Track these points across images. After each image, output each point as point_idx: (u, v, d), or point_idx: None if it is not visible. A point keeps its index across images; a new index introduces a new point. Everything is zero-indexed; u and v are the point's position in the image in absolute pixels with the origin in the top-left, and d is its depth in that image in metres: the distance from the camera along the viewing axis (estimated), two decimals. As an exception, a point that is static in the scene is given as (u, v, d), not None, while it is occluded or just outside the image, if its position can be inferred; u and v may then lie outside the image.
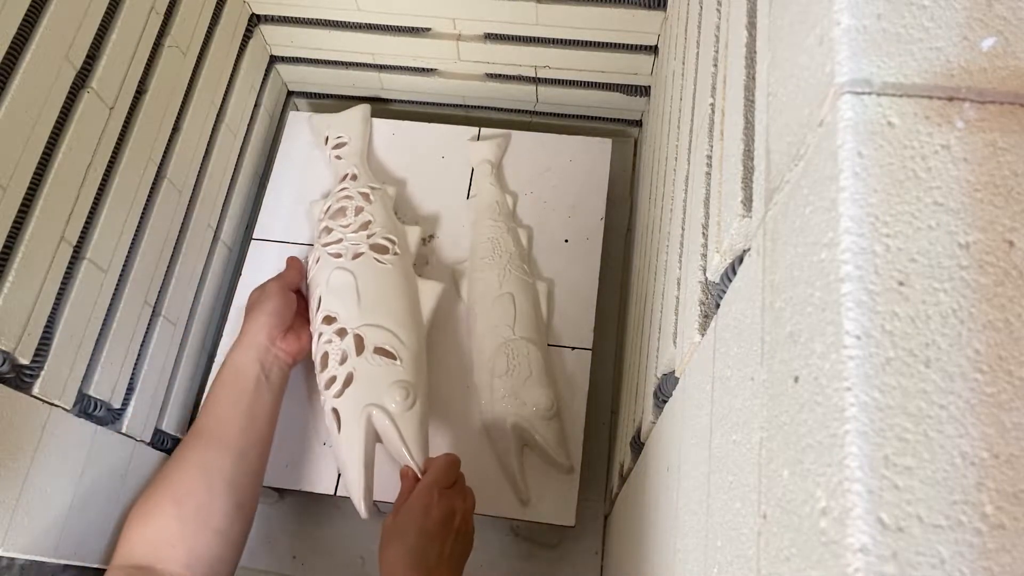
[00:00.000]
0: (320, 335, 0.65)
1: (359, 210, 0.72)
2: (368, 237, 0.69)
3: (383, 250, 0.69)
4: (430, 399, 0.65)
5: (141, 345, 0.63)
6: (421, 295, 0.69)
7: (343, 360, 0.62)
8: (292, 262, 0.70)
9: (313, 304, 0.67)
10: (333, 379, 0.62)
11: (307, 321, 0.68)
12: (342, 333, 0.64)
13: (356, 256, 0.68)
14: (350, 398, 0.60)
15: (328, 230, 0.71)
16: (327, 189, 0.78)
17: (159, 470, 0.59)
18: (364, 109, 0.82)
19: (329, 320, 0.65)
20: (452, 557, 0.53)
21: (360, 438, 0.59)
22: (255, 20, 0.77)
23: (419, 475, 0.57)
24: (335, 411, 0.61)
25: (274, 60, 0.83)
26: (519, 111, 0.86)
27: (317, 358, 0.64)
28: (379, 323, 0.64)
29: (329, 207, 0.74)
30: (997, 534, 0.16)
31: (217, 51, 0.70)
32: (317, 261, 0.69)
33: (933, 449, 0.17)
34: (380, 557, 0.52)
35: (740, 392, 0.26)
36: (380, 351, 0.62)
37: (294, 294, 0.67)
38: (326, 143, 0.80)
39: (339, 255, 0.68)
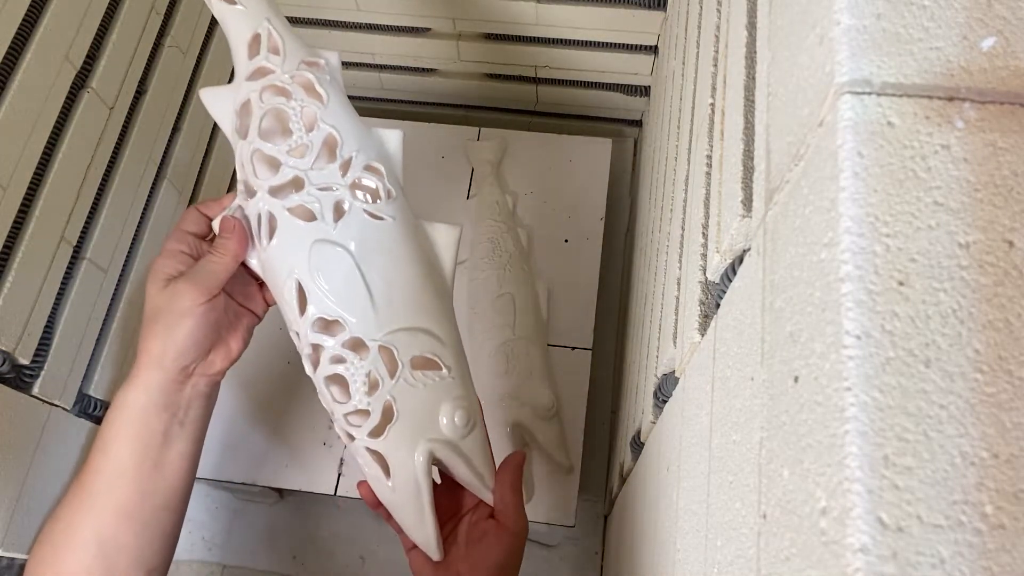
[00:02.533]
0: (318, 348, 0.44)
1: (310, 119, 0.45)
2: (344, 171, 0.45)
3: (373, 192, 0.46)
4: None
5: (141, 345, 0.63)
6: (438, 248, 0.49)
7: (373, 388, 0.44)
8: (226, 234, 0.46)
9: (287, 294, 0.45)
10: (362, 413, 0.44)
11: (242, 308, 0.49)
12: (358, 347, 0.44)
13: (338, 212, 0.45)
14: (397, 438, 0.44)
15: (269, 162, 0.45)
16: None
17: (44, 530, 0.45)
18: None
19: (329, 326, 0.44)
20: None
21: (425, 485, 0.45)
22: (255, 20, 0.77)
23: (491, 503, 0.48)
24: (375, 452, 0.45)
25: (274, 60, 0.83)
26: (519, 111, 0.86)
27: (320, 379, 0.45)
28: (411, 324, 0.45)
29: (246, 105, 0.46)
30: (997, 534, 0.16)
31: (217, 51, 0.70)
32: (272, 223, 0.45)
33: (933, 449, 0.17)
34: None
35: (740, 392, 0.26)
36: (420, 363, 0.45)
37: (221, 297, 0.46)
38: None
39: (311, 215, 0.44)
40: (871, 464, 0.16)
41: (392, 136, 0.49)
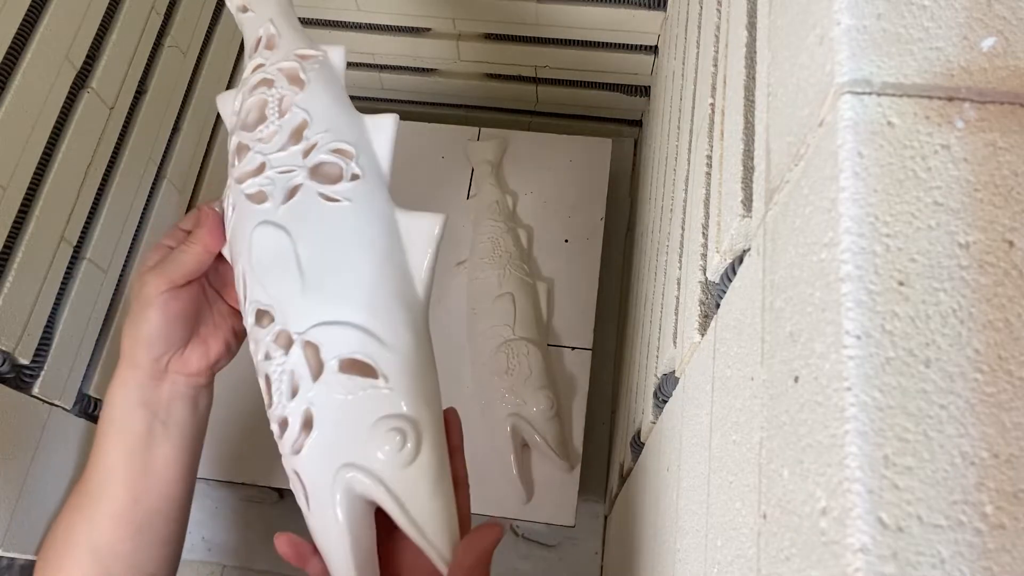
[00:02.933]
0: (256, 344, 0.40)
1: (287, 105, 0.43)
2: (306, 154, 0.42)
3: (334, 175, 0.42)
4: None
5: (141, 345, 0.63)
6: (408, 244, 0.42)
7: (294, 391, 0.38)
8: (200, 221, 0.44)
9: (239, 285, 0.42)
10: (283, 422, 0.38)
11: (229, 308, 0.46)
12: (284, 340, 0.39)
13: (290, 194, 0.41)
14: (314, 457, 0.37)
15: (242, 149, 0.43)
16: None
17: (48, 533, 0.44)
18: None
19: (262, 318, 0.40)
20: None
21: (343, 526, 0.36)
22: (255, 20, 0.77)
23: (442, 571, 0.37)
24: (296, 473, 0.38)
25: (274, 60, 0.83)
26: (519, 111, 0.86)
27: (260, 380, 0.40)
28: (341, 317, 0.38)
29: (242, 103, 0.45)
30: (997, 534, 0.16)
31: (217, 51, 0.70)
32: (233, 210, 0.42)
33: (933, 449, 0.17)
34: None
35: (740, 392, 0.26)
36: (351, 366, 0.38)
37: (194, 285, 0.43)
38: None
39: (263, 197, 0.41)
40: (871, 464, 0.16)
41: (384, 122, 0.44)
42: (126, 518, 0.43)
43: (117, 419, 0.43)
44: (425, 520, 0.37)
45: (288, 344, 0.39)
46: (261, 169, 0.42)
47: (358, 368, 0.38)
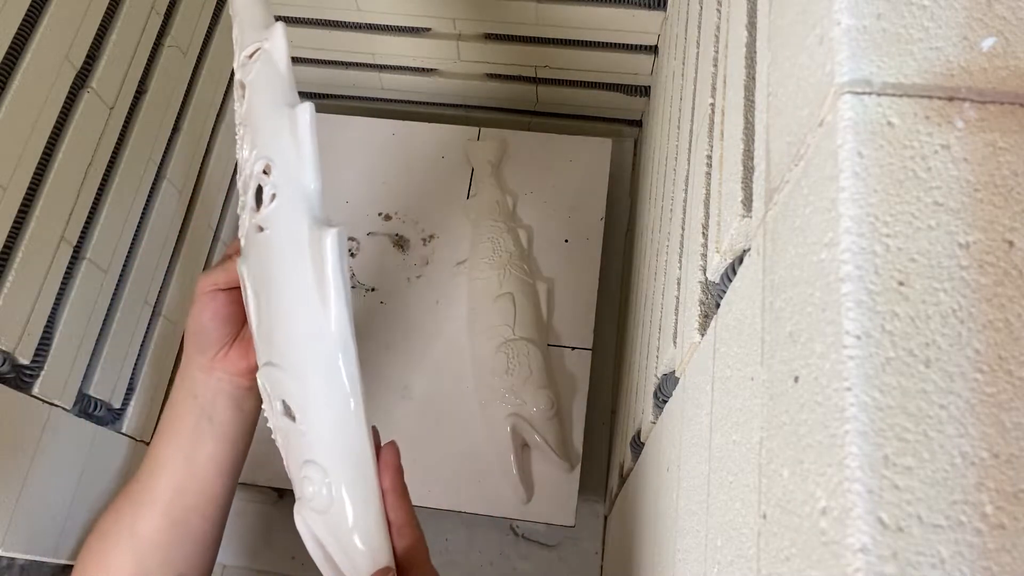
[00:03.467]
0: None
1: (245, 141, 0.43)
2: (245, 186, 0.42)
3: (262, 199, 0.41)
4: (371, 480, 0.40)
5: (141, 345, 0.63)
6: (321, 261, 0.39)
7: (271, 422, 0.42)
8: (225, 257, 0.48)
9: None
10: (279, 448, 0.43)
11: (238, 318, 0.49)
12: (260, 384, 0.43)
13: (249, 235, 0.42)
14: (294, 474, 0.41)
15: (239, 168, 0.45)
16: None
17: (99, 519, 0.47)
18: None
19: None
20: None
21: (309, 539, 0.40)
22: (255, 20, 0.77)
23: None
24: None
25: (274, 60, 0.83)
26: (519, 111, 0.86)
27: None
28: (270, 359, 0.40)
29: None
30: (997, 534, 0.16)
31: (217, 51, 0.70)
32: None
33: (933, 449, 0.17)
34: None
35: (740, 392, 0.26)
36: (284, 408, 0.40)
37: (237, 291, 0.45)
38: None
39: (240, 214, 0.44)
40: (871, 464, 0.16)
41: (298, 116, 0.40)
42: (166, 509, 0.46)
43: (173, 410, 0.47)
44: (345, 565, 0.38)
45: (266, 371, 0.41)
46: (242, 208, 0.44)
47: (286, 409, 0.40)
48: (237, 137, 0.44)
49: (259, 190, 0.41)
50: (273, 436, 0.42)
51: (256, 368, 0.43)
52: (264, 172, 0.40)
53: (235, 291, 0.45)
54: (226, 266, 0.45)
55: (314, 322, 0.38)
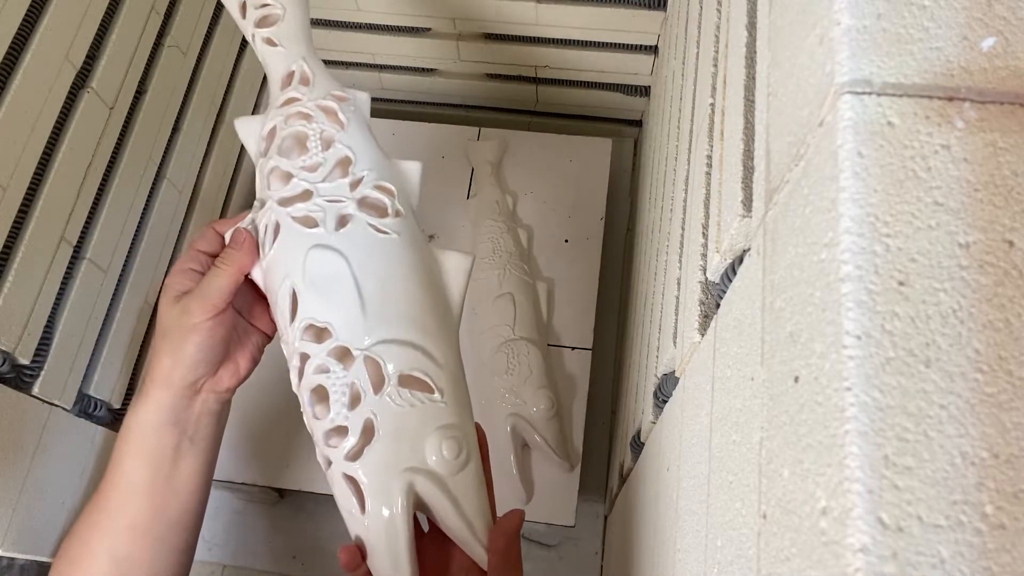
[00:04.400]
0: (305, 357, 0.43)
1: (328, 140, 0.47)
2: (353, 187, 0.45)
3: (380, 209, 0.46)
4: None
5: (141, 345, 0.63)
6: (447, 277, 0.47)
7: (355, 401, 0.41)
8: (234, 246, 0.46)
9: (282, 302, 0.44)
10: (340, 431, 0.41)
11: (251, 327, 0.48)
12: (344, 356, 0.42)
13: (342, 223, 0.44)
14: (375, 462, 0.40)
15: (283, 176, 0.46)
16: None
17: (61, 546, 0.46)
18: None
19: (318, 333, 0.43)
20: None
21: (403, 523, 0.40)
22: (255, 20, 0.77)
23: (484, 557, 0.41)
24: (351, 479, 0.41)
25: (274, 60, 0.83)
26: (519, 111, 0.86)
27: (304, 392, 0.43)
28: (401, 336, 0.42)
29: (273, 130, 0.48)
30: (997, 534, 0.16)
31: (217, 51, 0.70)
32: (276, 231, 0.45)
33: (933, 449, 0.17)
34: None
35: (740, 392, 0.26)
36: (409, 381, 0.42)
37: (229, 312, 0.45)
38: (243, 13, 0.52)
39: (313, 222, 0.44)
40: (871, 464, 0.16)
41: (411, 167, 0.49)
42: (146, 529, 0.45)
43: (146, 437, 0.44)
44: (474, 516, 0.41)
45: (346, 358, 0.42)
46: (308, 196, 0.45)
47: (414, 383, 0.42)
48: (308, 129, 0.47)
49: (367, 200, 0.46)
50: (354, 412, 0.41)
51: (243, 379, 0.47)
52: (380, 189, 0.46)
53: (227, 309, 0.45)
54: (216, 284, 0.44)
55: (447, 315, 0.46)
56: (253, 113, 0.80)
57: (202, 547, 0.71)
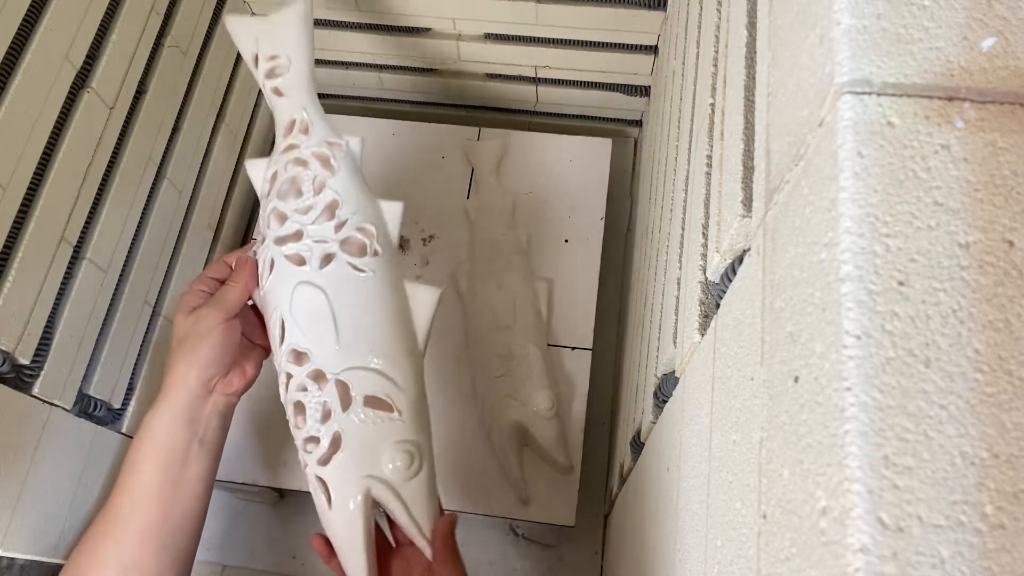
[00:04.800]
0: (289, 376, 0.50)
1: (319, 185, 0.52)
2: (338, 229, 0.51)
3: (360, 249, 0.52)
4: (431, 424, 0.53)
5: (141, 345, 0.63)
6: (415, 308, 0.53)
7: (326, 417, 0.48)
8: (240, 268, 0.53)
9: (273, 328, 0.51)
10: (314, 440, 0.48)
11: (254, 342, 0.55)
12: (319, 378, 0.49)
13: (325, 261, 0.51)
14: (340, 468, 0.48)
15: (280, 216, 0.53)
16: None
17: (72, 554, 0.48)
18: (302, 9, 0.58)
19: (299, 357, 0.50)
20: None
21: (360, 519, 0.47)
22: (255, 20, 0.77)
23: (428, 549, 0.49)
24: (321, 480, 0.48)
25: (274, 60, 0.83)
26: (519, 111, 0.86)
27: (289, 405, 0.50)
28: (367, 364, 0.49)
29: (275, 174, 0.54)
30: (997, 534, 0.16)
31: (217, 51, 0.70)
32: (271, 266, 0.51)
33: (933, 449, 0.17)
34: None
35: (740, 392, 0.26)
36: (372, 402, 0.49)
37: (238, 320, 0.52)
38: (255, 65, 0.58)
39: (301, 260, 0.51)
40: (871, 464, 0.16)
41: (393, 208, 0.55)
42: (154, 534, 0.48)
43: (160, 438, 0.49)
44: (421, 517, 0.49)
45: (321, 379, 0.49)
46: (299, 236, 0.52)
47: (377, 403, 0.49)
48: (304, 175, 0.53)
49: (349, 241, 0.52)
50: (325, 425, 0.49)
51: (249, 383, 0.54)
52: (361, 230, 0.52)
53: (236, 318, 0.52)
54: (228, 296, 0.52)
55: (412, 345, 0.52)
56: (253, 112, 0.80)
57: (202, 547, 0.71)
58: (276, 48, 0.57)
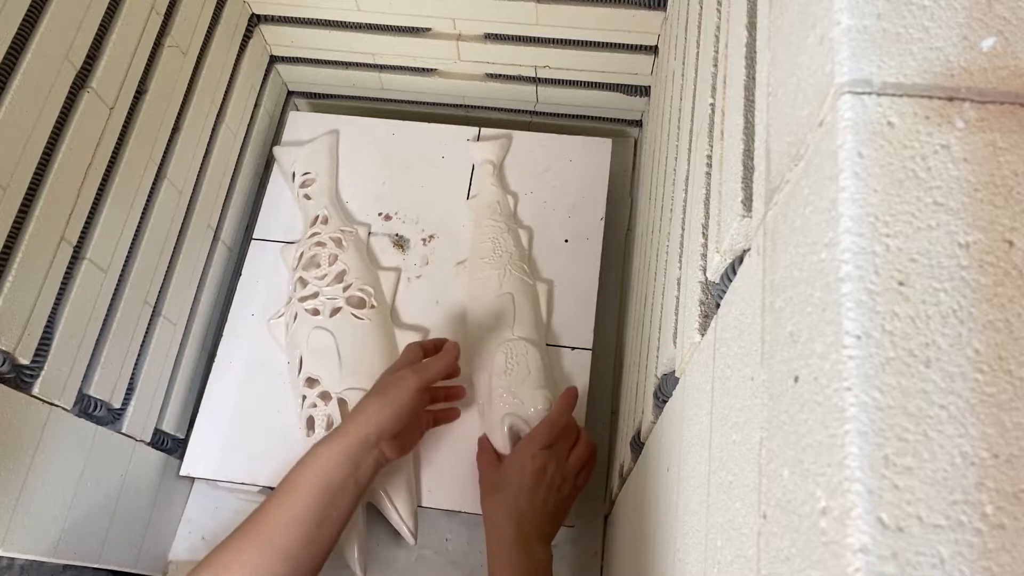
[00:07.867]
0: (304, 398, 0.67)
1: (333, 259, 0.73)
2: (344, 290, 0.71)
3: (360, 304, 0.71)
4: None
5: (141, 345, 0.63)
6: (401, 346, 0.69)
7: (328, 426, 0.65)
8: (448, 350, 0.62)
9: (293, 361, 0.69)
10: None
11: (419, 422, 0.64)
12: (325, 397, 0.66)
13: (334, 312, 0.70)
14: None
15: (303, 282, 0.72)
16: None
17: (209, 558, 0.51)
18: (330, 140, 0.80)
19: (312, 382, 0.67)
20: (545, 508, 0.59)
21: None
22: (255, 20, 0.77)
23: (411, 538, 0.63)
24: None
25: (274, 60, 0.83)
26: (519, 111, 0.86)
27: (302, 421, 0.67)
28: (361, 386, 0.64)
29: (301, 254, 0.74)
30: (997, 534, 0.16)
31: (217, 51, 0.70)
32: (295, 318, 0.70)
33: (933, 449, 0.17)
34: (482, 505, 0.61)
35: (740, 392, 0.26)
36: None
37: (428, 394, 0.60)
38: (293, 179, 0.79)
39: (316, 312, 0.70)
40: (871, 464, 0.16)
41: (390, 276, 0.74)
42: (294, 557, 0.51)
43: (325, 466, 0.54)
44: (401, 505, 0.64)
45: (327, 398, 0.67)
46: (316, 295, 0.71)
47: None
48: (322, 252, 0.74)
49: (352, 299, 0.71)
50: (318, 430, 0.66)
51: (400, 456, 0.61)
52: (362, 291, 0.72)
53: (424, 395, 0.59)
54: (431, 368, 0.59)
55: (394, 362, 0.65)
56: (252, 113, 0.80)
57: (202, 547, 0.71)
58: (308, 167, 0.78)
